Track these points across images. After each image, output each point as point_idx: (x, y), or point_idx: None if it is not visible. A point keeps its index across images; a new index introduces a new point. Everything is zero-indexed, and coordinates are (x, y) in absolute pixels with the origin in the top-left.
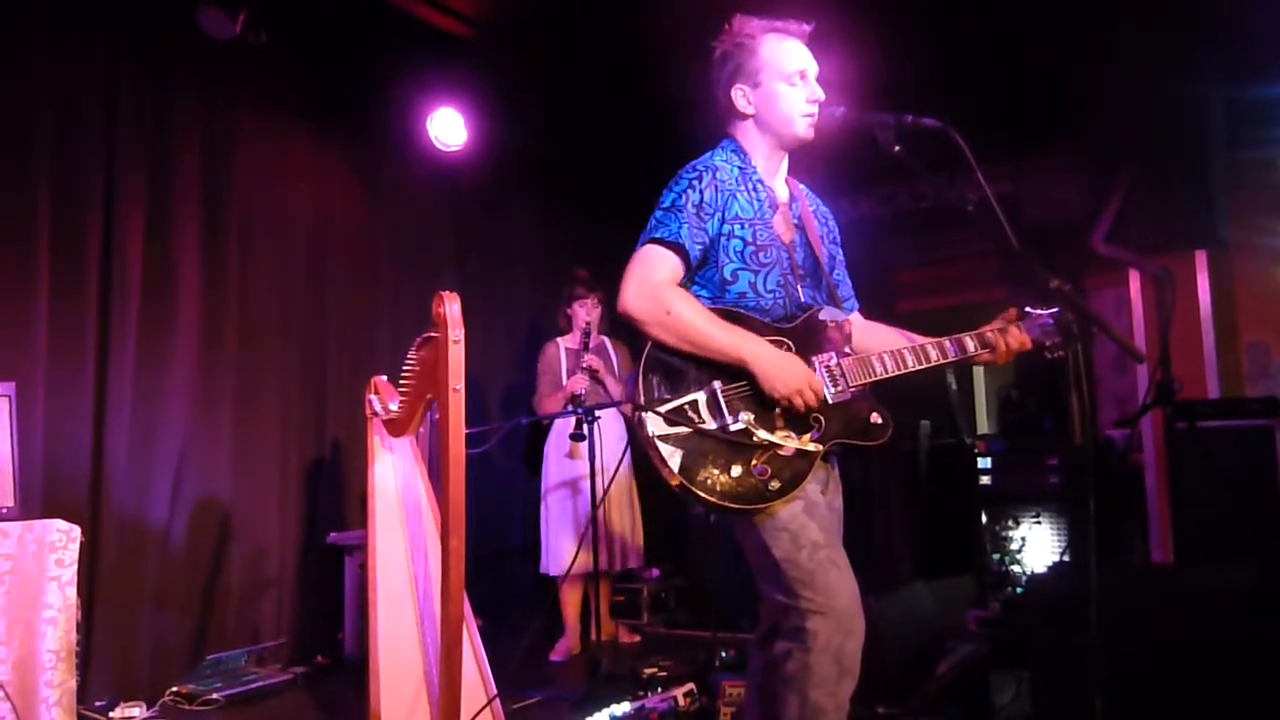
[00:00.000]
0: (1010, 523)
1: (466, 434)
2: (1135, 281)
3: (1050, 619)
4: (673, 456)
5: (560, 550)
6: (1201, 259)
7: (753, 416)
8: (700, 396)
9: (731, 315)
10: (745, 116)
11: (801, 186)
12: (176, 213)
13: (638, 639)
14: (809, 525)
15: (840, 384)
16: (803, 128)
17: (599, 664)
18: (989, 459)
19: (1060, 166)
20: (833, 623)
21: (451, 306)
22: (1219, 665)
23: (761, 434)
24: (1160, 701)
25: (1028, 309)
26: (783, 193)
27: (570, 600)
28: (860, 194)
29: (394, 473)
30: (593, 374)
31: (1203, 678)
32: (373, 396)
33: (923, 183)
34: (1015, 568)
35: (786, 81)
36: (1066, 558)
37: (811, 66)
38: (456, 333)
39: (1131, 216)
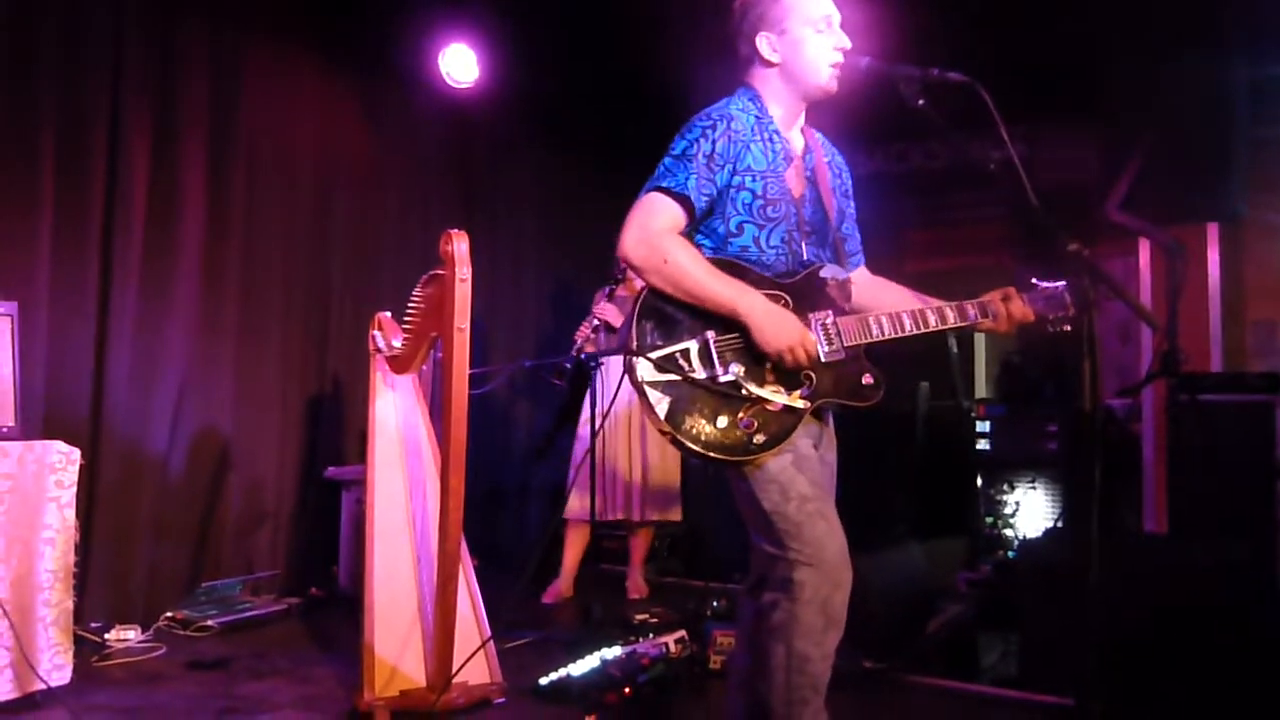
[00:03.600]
0: (1005, 487)
1: (469, 374)
2: (1145, 251)
3: (1042, 583)
4: (660, 403)
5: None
6: (1213, 232)
7: (743, 369)
8: (692, 345)
9: (731, 267)
10: (770, 64)
11: (818, 136)
12: (182, 141)
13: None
14: (798, 478)
15: (835, 343)
16: (827, 77)
17: (591, 609)
18: (988, 422)
19: (1076, 131)
20: (820, 574)
21: (459, 244)
22: (1208, 635)
23: (750, 387)
24: (1149, 668)
25: (1033, 280)
26: (798, 143)
27: (573, 543)
28: (874, 149)
29: (395, 410)
30: (607, 325)
31: (1191, 648)
32: (376, 333)
33: (936, 142)
34: (1008, 532)
35: (813, 27)
36: (1060, 524)
37: (836, 14)
38: (464, 271)
39: (1147, 185)
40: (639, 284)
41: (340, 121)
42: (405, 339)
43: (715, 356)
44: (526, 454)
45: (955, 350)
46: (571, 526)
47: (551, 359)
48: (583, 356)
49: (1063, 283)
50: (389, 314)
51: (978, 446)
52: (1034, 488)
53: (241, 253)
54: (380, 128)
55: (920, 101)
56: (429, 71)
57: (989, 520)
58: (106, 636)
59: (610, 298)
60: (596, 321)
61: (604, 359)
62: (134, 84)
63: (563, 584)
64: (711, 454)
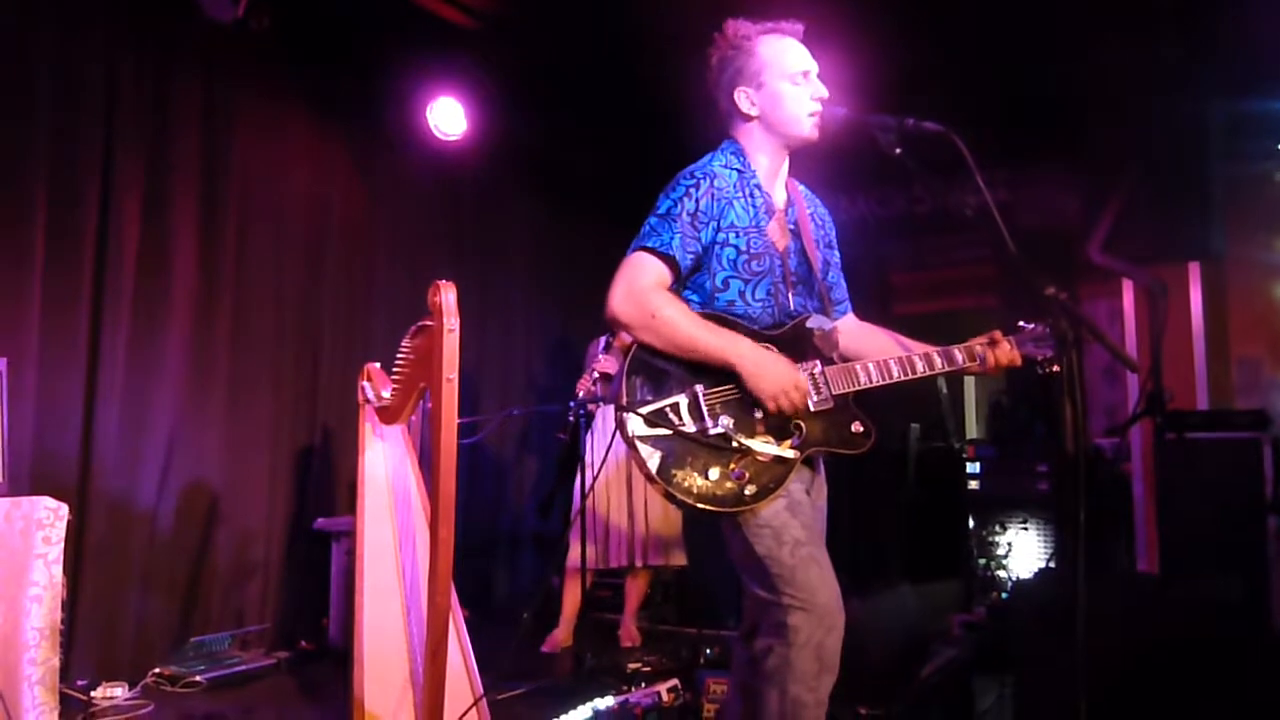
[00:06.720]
0: (997, 528)
1: (458, 424)
2: (1128, 292)
3: (1036, 625)
4: (652, 457)
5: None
6: (1195, 271)
7: (733, 421)
8: (682, 399)
9: (719, 320)
10: (749, 118)
11: (801, 188)
12: (173, 194)
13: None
14: (791, 523)
15: (823, 392)
16: (808, 127)
17: (584, 658)
18: (978, 463)
19: (1057, 175)
20: (814, 619)
21: (447, 295)
22: (1202, 674)
23: (741, 439)
24: (1144, 708)
25: (1020, 323)
26: (780, 197)
27: (572, 592)
28: (857, 195)
29: (384, 461)
30: (606, 377)
31: (1186, 687)
32: (365, 384)
33: (920, 186)
34: (1001, 573)
35: (790, 81)
36: (1053, 564)
37: (813, 66)
38: (452, 321)
39: (1127, 226)
40: (628, 338)
41: (330, 174)
42: (394, 390)
43: (705, 409)
44: (519, 504)
45: (945, 392)
46: (570, 575)
47: (544, 408)
48: (570, 404)
49: (1047, 324)
50: (378, 365)
51: (969, 487)
52: (1025, 528)
53: (231, 305)
54: (370, 180)
55: (898, 150)
56: (417, 124)
57: (982, 562)
58: (93, 694)
59: (607, 349)
60: (597, 374)
61: (594, 408)
62: (126, 138)
63: (562, 633)
64: (704, 506)
